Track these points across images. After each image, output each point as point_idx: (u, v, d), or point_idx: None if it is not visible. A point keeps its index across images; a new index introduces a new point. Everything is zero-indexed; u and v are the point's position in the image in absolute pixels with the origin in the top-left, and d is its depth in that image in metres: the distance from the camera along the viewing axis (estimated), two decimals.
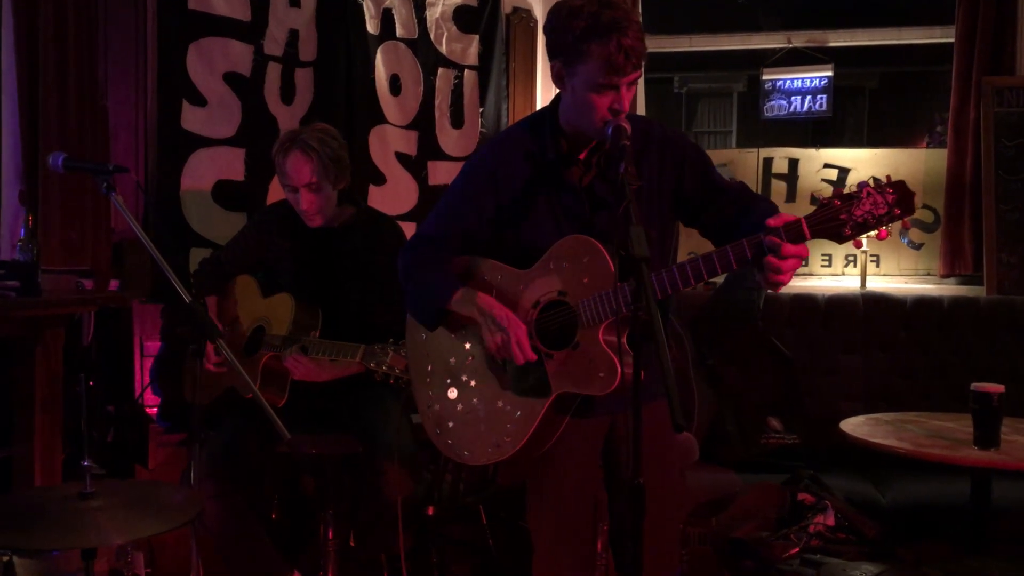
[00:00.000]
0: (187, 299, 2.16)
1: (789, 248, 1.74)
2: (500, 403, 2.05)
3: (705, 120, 13.96)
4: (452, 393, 2.12)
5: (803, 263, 1.84)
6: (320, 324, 2.76)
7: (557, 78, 1.99)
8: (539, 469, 2.10)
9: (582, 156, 2.05)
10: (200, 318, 2.15)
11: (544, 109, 2.14)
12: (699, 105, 13.67)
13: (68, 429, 2.87)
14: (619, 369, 1.87)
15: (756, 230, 1.81)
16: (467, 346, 2.12)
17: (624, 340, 1.85)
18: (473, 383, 2.09)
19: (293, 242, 2.90)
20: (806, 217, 1.78)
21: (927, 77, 11.24)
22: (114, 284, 3.29)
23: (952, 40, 4.17)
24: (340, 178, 2.83)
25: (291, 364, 2.68)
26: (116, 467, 3.05)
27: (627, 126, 1.90)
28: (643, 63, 1.92)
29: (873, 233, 1.89)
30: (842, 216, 1.76)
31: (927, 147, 6.23)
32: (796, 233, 1.76)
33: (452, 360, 2.13)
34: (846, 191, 1.79)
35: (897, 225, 4.20)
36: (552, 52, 1.98)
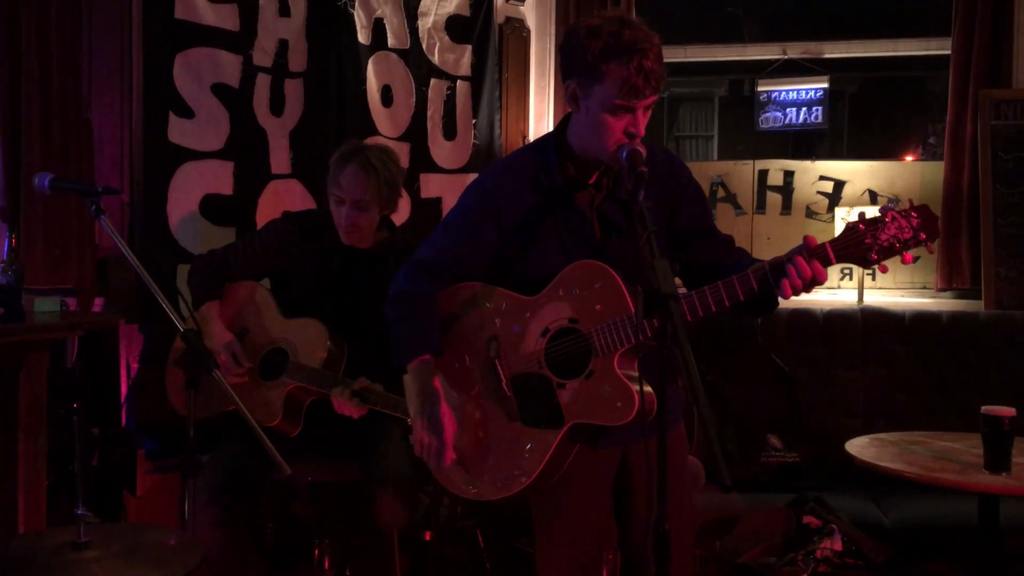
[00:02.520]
0: (181, 328, 2.07)
1: (816, 267, 1.74)
2: (508, 435, 1.98)
3: (687, 124, 13.99)
4: (458, 427, 2.04)
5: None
6: (345, 360, 2.65)
7: (571, 99, 1.92)
8: (549, 505, 2.03)
9: (591, 181, 1.99)
10: (195, 347, 2.05)
11: (547, 135, 2.08)
12: (680, 109, 13.70)
13: (51, 455, 2.77)
14: (637, 399, 1.80)
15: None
16: (471, 377, 2.04)
17: (638, 368, 1.79)
18: (478, 415, 2.02)
19: (320, 257, 2.78)
20: (831, 242, 1.78)
21: (909, 82, 11.29)
22: (98, 302, 3.19)
23: (947, 52, 4.14)
24: (389, 203, 2.76)
25: (337, 404, 2.56)
26: (102, 493, 2.95)
27: (643, 150, 1.84)
28: (662, 87, 1.87)
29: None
30: (867, 240, 1.76)
31: (920, 158, 6.22)
32: (821, 257, 1.76)
33: (455, 393, 2.05)
34: (869, 216, 1.78)
35: None
36: (567, 72, 1.92)
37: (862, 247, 1.76)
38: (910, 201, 1.81)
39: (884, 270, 1.79)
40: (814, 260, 1.76)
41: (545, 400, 1.93)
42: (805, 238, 1.80)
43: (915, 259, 1.80)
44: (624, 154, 1.83)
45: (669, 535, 1.51)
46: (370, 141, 3.75)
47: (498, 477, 1.98)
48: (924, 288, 4.27)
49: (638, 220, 1.65)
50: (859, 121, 12.25)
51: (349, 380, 2.54)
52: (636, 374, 1.83)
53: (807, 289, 1.77)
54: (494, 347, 2.00)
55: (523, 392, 1.96)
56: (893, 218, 1.76)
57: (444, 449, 1.97)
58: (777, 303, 1.88)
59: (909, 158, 8.28)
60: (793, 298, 1.86)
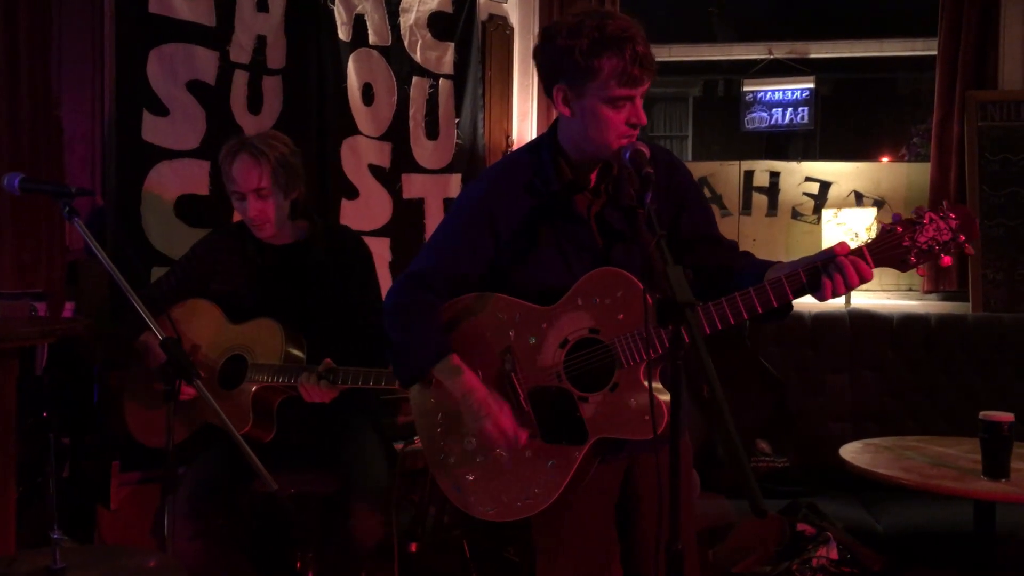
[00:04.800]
0: (160, 335, 1.97)
1: (862, 267, 1.70)
2: (528, 452, 1.89)
3: (661, 124, 13.98)
4: (471, 444, 1.95)
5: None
6: (306, 350, 2.59)
7: (563, 104, 1.84)
8: (552, 520, 1.94)
9: (590, 184, 1.92)
10: (176, 355, 1.96)
11: (542, 137, 2.00)
12: (654, 109, 13.69)
13: (20, 465, 2.66)
14: (667, 413, 1.73)
15: (757, 280, 1.78)
16: None
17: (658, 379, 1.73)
18: None
19: (248, 262, 2.72)
20: (868, 245, 1.74)
21: (882, 83, 11.34)
22: (69, 306, 3.07)
23: (933, 52, 4.12)
24: (291, 186, 2.68)
25: (306, 393, 2.50)
26: (75, 506, 2.83)
27: (646, 151, 1.77)
28: (655, 70, 1.80)
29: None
30: (905, 243, 1.72)
31: (906, 159, 6.22)
32: (862, 261, 1.73)
33: None
34: (906, 217, 1.74)
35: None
36: (553, 77, 1.84)
37: (900, 250, 1.73)
38: (944, 202, 1.77)
39: (922, 273, 1.77)
40: (859, 260, 1.71)
41: (567, 415, 1.86)
42: (838, 244, 1.75)
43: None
44: (627, 155, 1.76)
45: (683, 557, 1.44)
46: (350, 140, 3.70)
47: (519, 496, 1.90)
48: (910, 290, 4.24)
49: (647, 225, 1.58)
50: (832, 122, 12.28)
51: (313, 366, 2.49)
52: (661, 386, 1.76)
53: (848, 292, 1.74)
54: (509, 360, 1.91)
55: (542, 407, 1.89)
56: (931, 220, 1.72)
57: (502, 421, 1.86)
58: (791, 309, 1.82)
59: (885, 159, 8.30)
60: None
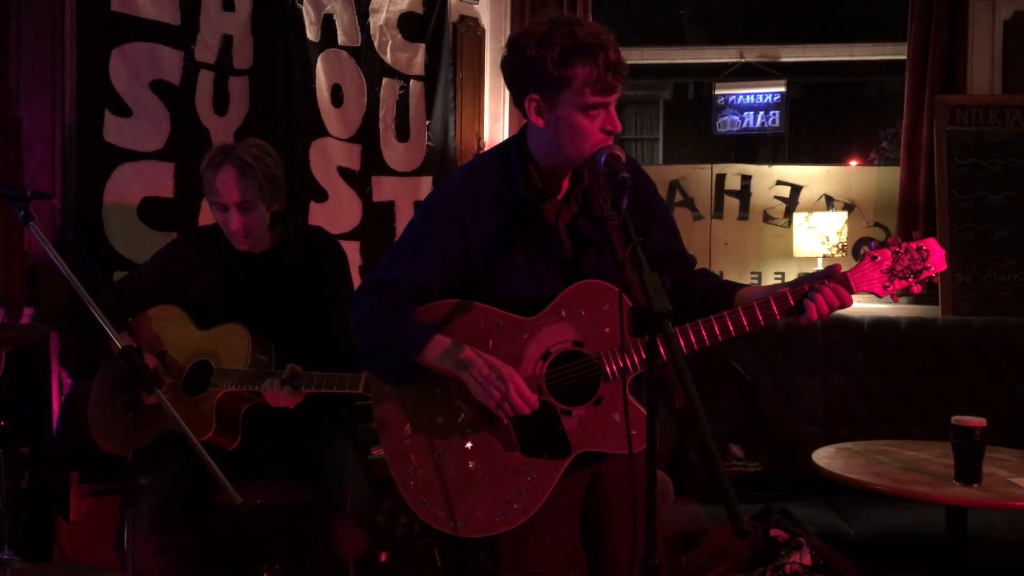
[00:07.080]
0: (119, 344, 1.91)
1: (843, 294, 1.81)
2: (505, 466, 1.85)
3: (632, 127, 14.02)
4: (442, 457, 1.89)
5: None
6: (274, 355, 2.53)
7: (536, 114, 1.81)
8: (518, 533, 1.89)
9: (561, 193, 1.89)
10: (135, 365, 1.90)
11: (510, 141, 1.96)
12: (625, 112, 13.72)
13: None
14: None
15: (725, 302, 1.86)
16: (457, 401, 1.89)
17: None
18: (468, 444, 1.88)
19: (223, 269, 2.66)
20: (850, 271, 1.84)
21: (849, 87, 11.44)
22: (28, 312, 2.99)
23: (903, 57, 4.14)
24: (274, 198, 2.62)
25: (271, 398, 2.45)
26: (32, 518, 2.74)
27: (621, 155, 1.74)
28: (627, 75, 1.79)
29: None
30: (884, 270, 1.85)
31: (875, 163, 6.25)
32: (843, 285, 1.83)
33: (439, 419, 1.91)
34: (883, 246, 1.88)
35: (851, 241, 4.17)
36: (523, 88, 1.80)
37: (879, 277, 1.85)
38: (915, 234, 1.90)
39: (896, 300, 1.91)
40: (839, 287, 1.80)
41: (548, 428, 1.83)
42: (827, 268, 1.85)
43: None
44: (603, 159, 1.73)
45: (659, 570, 1.41)
46: (319, 142, 3.64)
47: (494, 511, 1.85)
48: None
49: (623, 230, 1.55)
50: (802, 125, 12.36)
51: (278, 372, 2.44)
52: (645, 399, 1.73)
53: (828, 316, 1.82)
54: None
55: (523, 420, 1.84)
56: (907, 250, 1.84)
57: (518, 384, 1.78)
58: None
59: (854, 162, 8.36)
60: None
